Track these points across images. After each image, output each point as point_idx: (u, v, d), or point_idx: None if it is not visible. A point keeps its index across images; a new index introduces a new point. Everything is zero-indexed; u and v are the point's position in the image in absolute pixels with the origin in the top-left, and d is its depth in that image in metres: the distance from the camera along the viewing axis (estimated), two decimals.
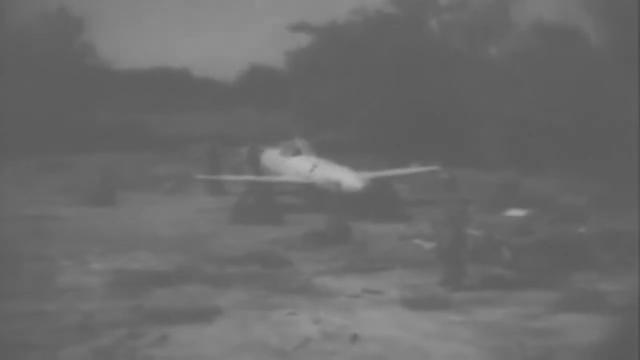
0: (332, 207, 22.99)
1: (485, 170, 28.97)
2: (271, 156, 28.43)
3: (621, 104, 27.89)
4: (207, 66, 45.15)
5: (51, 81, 37.67)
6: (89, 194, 26.90)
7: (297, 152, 27.47)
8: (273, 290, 16.42)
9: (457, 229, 16.78)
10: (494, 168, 29.27)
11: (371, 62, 36.87)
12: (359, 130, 36.87)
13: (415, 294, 16.20)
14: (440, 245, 17.32)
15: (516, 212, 23.40)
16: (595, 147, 28.79)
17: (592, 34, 32.32)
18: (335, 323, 14.29)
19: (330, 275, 17.72)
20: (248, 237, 21.47)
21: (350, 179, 24.95)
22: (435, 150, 30.75)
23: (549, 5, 33.03)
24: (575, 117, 30.38)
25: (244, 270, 17.99)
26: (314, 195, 25.85)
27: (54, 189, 29.06)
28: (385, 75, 36.43)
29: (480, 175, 27.98)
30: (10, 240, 20.14)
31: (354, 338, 13.47)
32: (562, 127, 30.54)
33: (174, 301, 15.49)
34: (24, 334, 13.53)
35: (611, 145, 27.54)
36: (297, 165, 26.86)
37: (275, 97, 41.59)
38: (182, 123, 40.43)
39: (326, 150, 28.40)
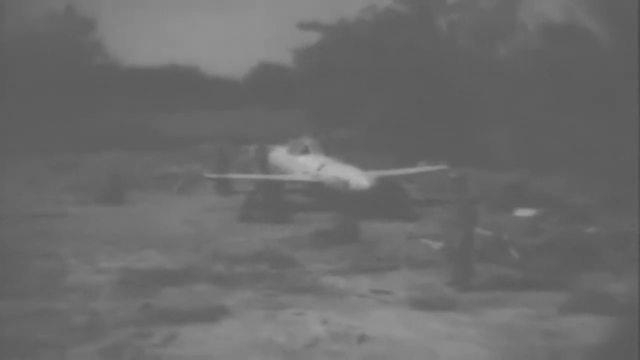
0: (340, 206, 22.97)
1: (493, 170, 28.93)
2: (279, 155, 28.41)
3: (630, 103, 27.81)
4: (216, 64, 45.19)
5: (60, 80, 37.75)
6: (97, 193, 26.96)
7: (305, 151, 27.47)
8: (281, 290, 16.38)
9: (466, 229, 16.71)
10: (503, 167, 29.25)
11: (380, 60, 36.86)
12: (367, 129, 36.85)
13: (423, 294, 16.15)
14: (448, 245, 17.27)
15: (525, 212, 23.38)
16: (604, 147, 28.72)
17: (599, 33, 32.25)
18: (343, 323, 14.24)
19: (338, 275, 17.66)
20: (256, 236, 21.46)
21: (358, 177, 24.92)
22: (443, 149, 30.74)
23: (557, 5, 32.98)
24: (583, 117, 30.31)
25: (251, 270, 17.95)
26: (322, 194, 25.84)
27: (62, 187, 29.14)
28: (394, 74, 36.40)
29: (488, 174, 27.90)
30: (19, 239, 20.22)
31: (362, 338, 13.45)
32: (571, 126, 30.48)
33: (182, 300, 15.46)
34: (31, 332, 13.54)
35: (620, 145, 27.47)
36: (306, 164, 26.85)
37: (284, 95, 41.58)
38: (191, 122, 40.46)
39: (335, 148, 28.39)
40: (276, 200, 24.80)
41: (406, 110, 35.79)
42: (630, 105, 27.29)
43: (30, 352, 12.76)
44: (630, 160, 24.46)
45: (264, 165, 27.74)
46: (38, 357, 12.62)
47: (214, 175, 28.73)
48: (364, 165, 26.15)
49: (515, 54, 35.87)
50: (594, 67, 30.88)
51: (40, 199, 26.73)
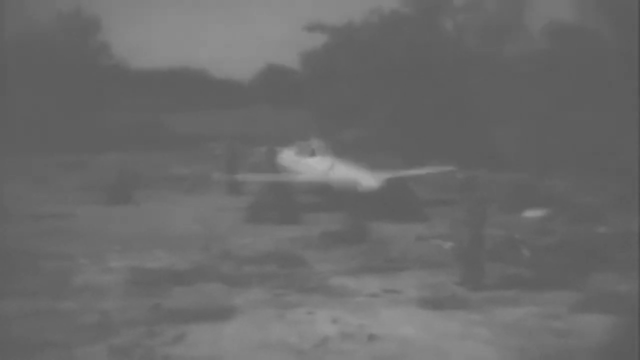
0: (349, 207, 22.95)
1: (503, 170, 28.89)
2: (288, 156, 28.41)
3: (635, 102, 27.81)
4: (224, 66, 45.37)
5: (68, 81, 37.85)
6: (107, 193, 26.99)
7: (312, 153, 27.47)
8: (290, 290, 16.37)
9: (475, 229, 16.68)
10: (512, 168, 29.22)
11: (387, 62, 36.86)
12: (375, 130, 36.86)
13: (433, 294, 16.11)
14: (459, 245, 17.23)
15: (535, 212, 23.35)
16: (612, 147, 28.69)
17: (605, 34, 32.23)
18: (353, 322, 14.22)
19: (348, 275, 17.63)
20: (266, 236, 21.45)
21: (367, 178, 24.91)
22: (452, 150, 30.71)
23: (563, 6, 33.01)
24: (590, 117, 30.29)
25: (261, 270, 17.95)
26: (331, 195, 25.83)
27: (72, 187, 29.21)
28: (400, 75, 36.40)
29: (498, 175, 27.87)
30: (28, 239, 20.24)
31: (372, 337, 13.41)
32: (578, 126, 30.46)
33: (191, 300, 15.47)
34: (41, 332, 13.56)
35: (627, 145, 27.44)
36: (315, 165, 26.85)
37: (292, 96, 41.66)
38: (200, 122, 40.57)
39: (343, 150, 28.35)
40: (286, 201, 24.79)
41: (414, 111, 35.78)
42: (635, 105, 27.30)
43: (40, 351, 12.76)
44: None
45: (273, 166, 27.74)
46: (48, 356, 12.62)
47: (223, 176, 28.72)
48: (372, 166, 26.13)
49: (522, 55, 35.86)
50: (601, 67, 30.86)
51: (49, 199, 26.77)
